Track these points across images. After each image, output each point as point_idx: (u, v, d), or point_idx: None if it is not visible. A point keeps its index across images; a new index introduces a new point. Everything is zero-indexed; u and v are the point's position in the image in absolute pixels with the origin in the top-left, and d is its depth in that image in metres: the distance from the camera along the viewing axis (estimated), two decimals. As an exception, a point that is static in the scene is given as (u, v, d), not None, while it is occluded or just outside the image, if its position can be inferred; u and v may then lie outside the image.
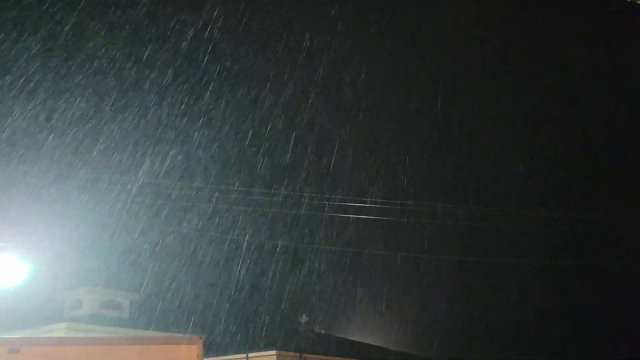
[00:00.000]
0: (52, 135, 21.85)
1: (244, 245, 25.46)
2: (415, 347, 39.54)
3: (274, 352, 25.13)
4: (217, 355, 26.20)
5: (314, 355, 27.12)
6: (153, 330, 24.27)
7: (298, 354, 26.09)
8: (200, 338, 9.02)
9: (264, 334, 28.84)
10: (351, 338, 36.23)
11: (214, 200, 20.07)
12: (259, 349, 26.04)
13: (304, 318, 33.58)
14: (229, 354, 26.64)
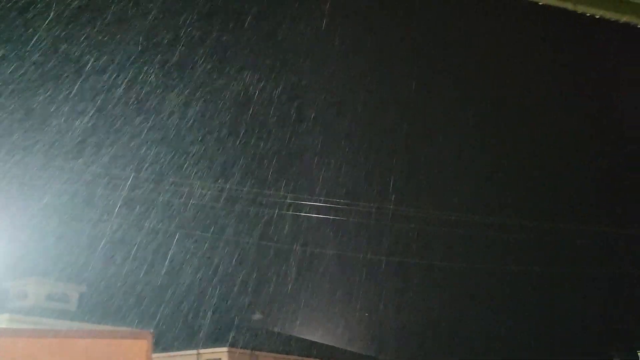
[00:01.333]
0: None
1: (198, 241, 25.13)
2: (367, 348, 40.05)
3: (225, 349, 24.98)
4: (168, 351, 25.85)
5: (266, 353, 27.09)
6: (101, 324, 23.72)
7: (250, 351, 26.01)
8: (150, 333, 8.86)
9: (216, 331, 28.58)
10: (304, 337, 36.36)
11: (166, 193, 19.69)
12: (210, 346, 25.82)
13: (257, 316, 33.46)
14: (180, 350, 26.33)
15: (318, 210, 19.39)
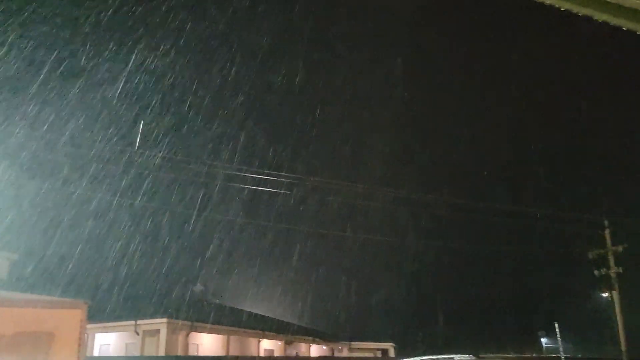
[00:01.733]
0: None
1: (139, 211, 24.69)
2: (308, 321, 40.87)
3: (164, 319, 24.82)
4: (105, 322, 25.48)
5: (206, 325, 27.15)
6: (34, 294, 23.03)
7: (189, 323, 25.99)
8: (85, 303, 8.77)
9: (155, 302, 28.33)
10: (245, 309, 36.66)
11: (103, 160, 19.15)
12: (149, 317, 25.60)
13: (198, 287, 33.43)
14: (117, 321, 25.99)
15: (258, 182, 19.36)
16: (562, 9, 2.01)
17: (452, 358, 6.02)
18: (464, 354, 5.85)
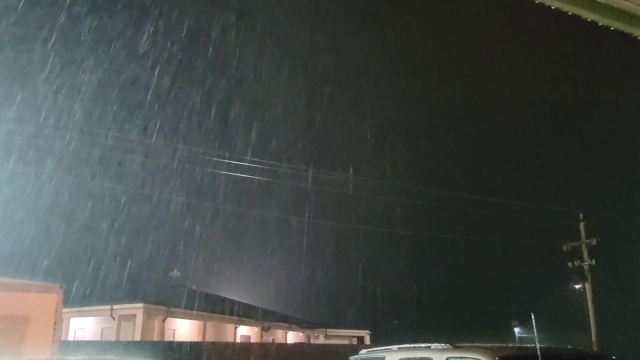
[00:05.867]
0: None
1: (116, 195, 24.40)
2: (285, 308, 41.08)
3: (140, 304, 24.72)
4: (80, 306, 25.25)
5: (182, 310, 27.10)
6: (8, 277, 22.67)
7: (165, 308, 25.91)
8: (60, 287, 8.67)
9: (132, 287, 28.15)
10: (221, 295, 36.65)
11: (80, 143, 18.89)
12: (125, 302, 25.46)
13: (175, 273, 33.29)
14: (93, 305, 25.79)
15: (241, 170, 19.31)
16: (552, 8, 2.03)
17: (429, 346, 6.07)
18: (440, 342, 5.91)
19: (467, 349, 6.13)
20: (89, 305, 25.65)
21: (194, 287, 34.63)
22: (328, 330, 42.25)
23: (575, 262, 25.58)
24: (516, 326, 43.47)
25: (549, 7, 2.06)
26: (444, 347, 6.33)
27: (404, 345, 7.08)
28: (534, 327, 5.25)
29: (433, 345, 6.52)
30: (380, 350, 7.52)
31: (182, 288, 31.82)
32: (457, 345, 6.29)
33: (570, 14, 2.03)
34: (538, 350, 5.14)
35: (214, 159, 19.40)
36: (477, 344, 6.21)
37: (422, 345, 6.75)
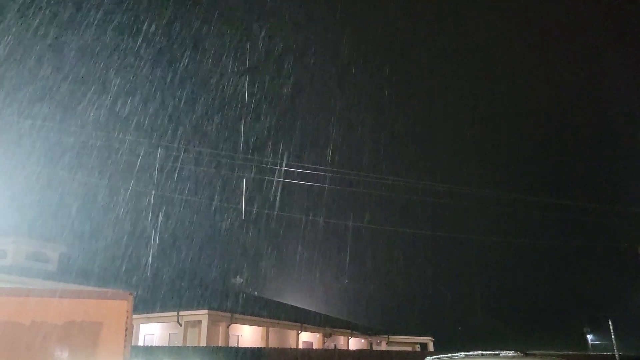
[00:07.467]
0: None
1: (182, 205, 25.17)
2: (347, 314, 40.94)
3: (205, 311, 25.26)
4: (148, 313, 26.15)
5: (245, 316, 27.52)
6: (81, 285, 23.79)
7: (229, 314, 26.38)
8: (130, 294, 8.97)
9: (197, 294, 28.90)
10: (282, 301, 36.97)
11: (150, 157, 19.61)
12: (191, 308, 26.11)
13: (237, 280, 33.90)
14: (161, 312, 26.62)
15: (302, 177, 19.48)
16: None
17: (497, 354, 5.84)
18: (509, 349, 5.67)
19: (540, 357, 5.86)
20: (157, 311, 26.51)
21: (256, 293, 35.16)
22: (390, 336, 41.76)
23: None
24: (589, 333, 41.36)
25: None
26: (514, 354, 6.08)
27: (472, 353, 6.85)
28: (612, 333, 4.95)
29: (502, 353, 6.28)
30: (447, 357, 7.32)
31: (244, 294, 32.36)
32: (528, 352, 6.02)
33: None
34: (617, 359, 4.85)
35: (272, 167, 19.65)
36: (550, 352, 5.92)
37: (490, 352, 6.51)
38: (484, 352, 6.76)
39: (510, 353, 6.21)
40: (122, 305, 8.79)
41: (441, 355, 7.58)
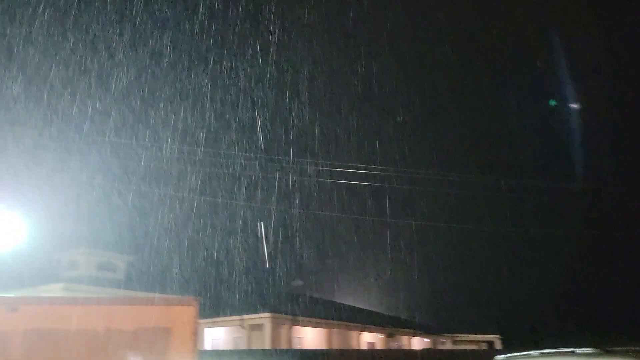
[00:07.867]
0: (46, 95, 21.62)
1: (242, 210, 25.56)
2: (409, 313, 40.44)
3: (268, 314, 25.58)
4: (213, 317, 26.73)
5: (307, 319, 27.65)
6: (148, 292, 24.58)
7: (291, 317, 26.59)
8: (196, 300, 9.15)
9: (259, 297, 29.30)
10: (343, 302, 36.91)
11: (207, 163, 20.05)
12: (254, 312, 26.51)
13: (297, 282, 34.12)
14: (224, 316, 27.16)
15: (360, 177, 19.41)
16: None
17: (573, 351, 5.51)
18: (584, 347, 5.34)
19: (620, 353, 5.50)
20: (221, 316, 27.05)
21: (317, 295, 35.27)
22: (455, 335, 40.93)
23: None
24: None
25: None
26: (592, 351, 5.74)
27: (547, 351, 6.53)
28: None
29: (579, 350, 5.94)
30: (520, 356, 7.02)
31: (306, 297, 32.53)
32: (608, 349, 5.67)
33: None
34: None
35: (330, 168, 19.67)
36: (633, 348, 5.55)
37: (565, 350, 6.18)
38: (559, 350, 6.43)
39: (588, 350, 5.87)
40: (189, 311, 8.98)
41: (513, 354, 7.28)
